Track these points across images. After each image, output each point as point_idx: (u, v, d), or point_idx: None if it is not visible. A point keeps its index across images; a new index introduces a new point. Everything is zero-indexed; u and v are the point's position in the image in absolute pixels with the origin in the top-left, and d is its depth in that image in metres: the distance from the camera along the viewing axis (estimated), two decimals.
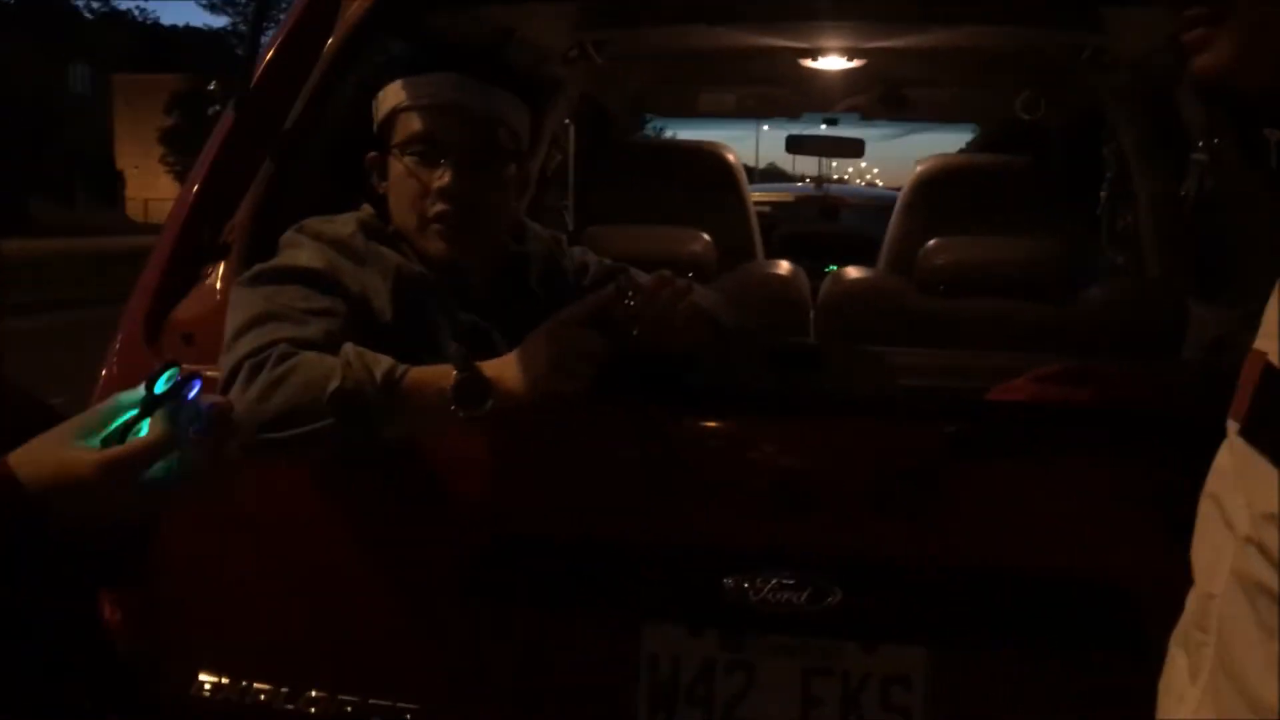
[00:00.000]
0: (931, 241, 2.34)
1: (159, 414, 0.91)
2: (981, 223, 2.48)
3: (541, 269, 1.76)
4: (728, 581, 1.39)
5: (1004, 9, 2.51)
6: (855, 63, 3.08)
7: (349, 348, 1.37)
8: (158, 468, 0.90)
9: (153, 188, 38.55)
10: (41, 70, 27.61)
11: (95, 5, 23.99)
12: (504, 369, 1.37)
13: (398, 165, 1.60)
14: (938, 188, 2.79)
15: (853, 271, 2.43)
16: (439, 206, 1.57)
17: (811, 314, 2.32)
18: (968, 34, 2.82)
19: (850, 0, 2.49)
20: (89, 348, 1.97)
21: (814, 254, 3.85)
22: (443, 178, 1.56)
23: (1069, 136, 3.46)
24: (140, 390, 0.92)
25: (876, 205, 5.98)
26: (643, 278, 1.80)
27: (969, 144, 5.22)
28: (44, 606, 0.93)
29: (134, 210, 39.11)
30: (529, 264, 1.74)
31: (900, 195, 3.03)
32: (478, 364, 1.37)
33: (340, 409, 1.31)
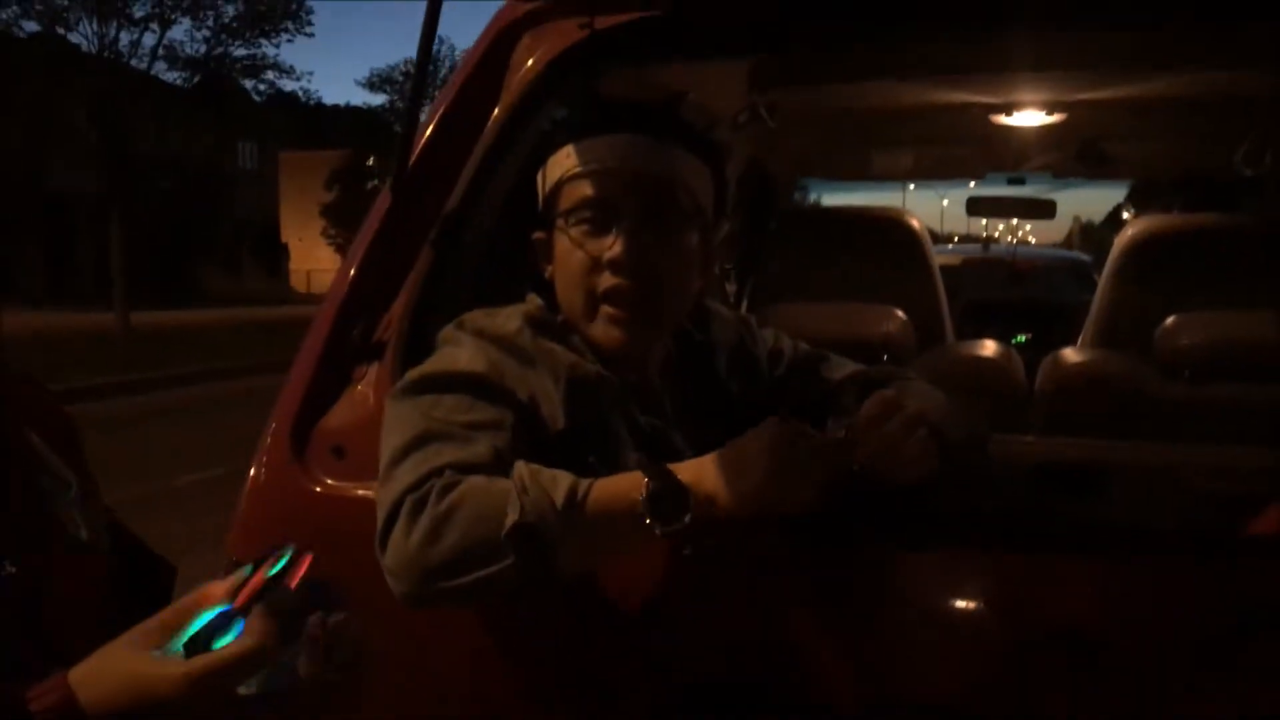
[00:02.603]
0: (1172, 318, 2.05)
1: (259, 610, 0.69)
2: (1214, 294, 2.18)
3: (730, 359, 1.54)
4: None
5: (1236, 52, 2.19)
6: (1054, 117, 2.78)
7: (521, 468, 1.15)
8: (258, 679, 0.69)
9: (314, 259, 40.02)
10: (214, 149, 29.17)
11: (263, 88, 25.30)
12: (704, 475, 1.15)
13: (563, 239, 1.39)
14: (1156, 253, 2.53)
15: (1074, 354, 2.12)
16: (610, 281, 1.34)
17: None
18: (1187, 82, 2.50)
19: (1065, 45, 2.20)
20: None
21: (1001, 325, 3.55)
22: (614, 247, 1.34)
23: None
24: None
25: (1064, 267, 5.60)
26: (844, 367, 1.55)
27: (1174, 202, 4.79)
28: None
29: (297, 281, 40.72)
30: (715, 354, 1.52)
31: (1109, 261, 2.79)
32: (671, 468, 1.15)
33: (521, 545, 1.10)
